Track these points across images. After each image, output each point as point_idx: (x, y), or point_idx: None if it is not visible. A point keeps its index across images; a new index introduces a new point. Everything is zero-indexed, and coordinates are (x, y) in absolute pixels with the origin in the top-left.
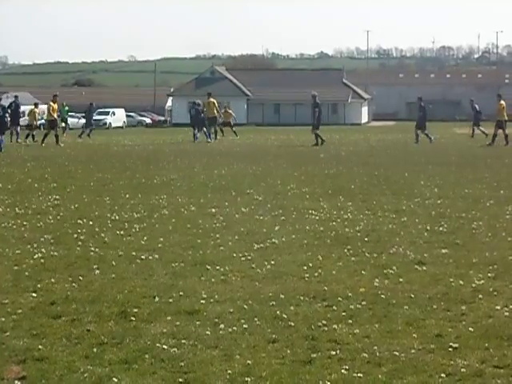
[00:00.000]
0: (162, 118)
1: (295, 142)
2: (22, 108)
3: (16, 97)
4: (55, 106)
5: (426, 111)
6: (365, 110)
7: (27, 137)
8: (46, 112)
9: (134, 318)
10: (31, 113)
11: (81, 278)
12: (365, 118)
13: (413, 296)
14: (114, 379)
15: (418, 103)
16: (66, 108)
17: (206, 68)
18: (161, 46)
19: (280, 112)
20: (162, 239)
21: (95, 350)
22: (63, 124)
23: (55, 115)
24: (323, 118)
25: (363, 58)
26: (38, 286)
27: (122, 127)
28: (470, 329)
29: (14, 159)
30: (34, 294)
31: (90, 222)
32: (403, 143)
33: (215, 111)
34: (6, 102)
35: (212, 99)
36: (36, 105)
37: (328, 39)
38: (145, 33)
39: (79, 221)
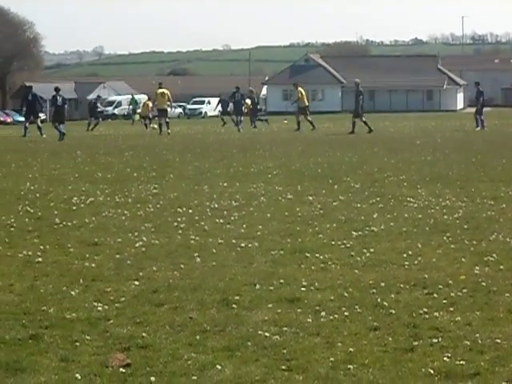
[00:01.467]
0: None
1: (390, 129)
2: (119, 98)
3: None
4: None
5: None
6: (460, 96)
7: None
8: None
9: (235, 306)
10: (145, 105)
11: (182, 265)
12: (460, 105)
13: None
14: (218, 366)
15: (476, 88)
16: (136, 99)
17: (301, 56)
18: (255, 35)
19: (374, 99)
20: (260, 227)
21: (198, 337)
22: (136, 116)
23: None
24: (419, 104)
25: (458, 43)
26: (140, 274)
27: (217, 116)
28: None
29: (112, 149)
30: (136, 282)
31: (190, 211)
32: (499, 129)
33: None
34: (102, 93)
35: (301, 88)
36: (149, 98)
37: (422, 25)
38: (239, 21)
39: (179, 209)
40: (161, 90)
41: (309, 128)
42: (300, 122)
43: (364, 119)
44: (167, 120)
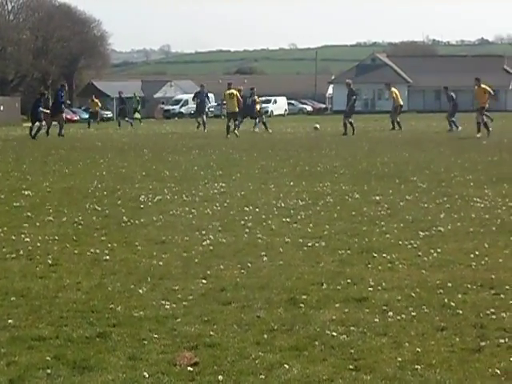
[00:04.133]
0: (323, 106)
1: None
2: (186, 96)
3: (202, 86)
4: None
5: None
6: None
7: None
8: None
9: (302, 305)
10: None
11: (249, 264)
12: None
13: None
14: (285, 365)
15: (445, 93)
16: (138, 98)
17: (367, 55)
18: (321, 34)
19: (441, 99)
20: (327, 226)
21: (266, 336)
22: (137, 115)
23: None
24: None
25: None
26: (208, 272)
27: (283, 115)
28: None
29: (179, 147)
30: (203, 281)
31: (257, 209)
32: None
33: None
34: (169, 91)
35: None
36: (96, 96)
37: (489, 25)
38: (305, 20)
39: (246, 208)
40: (230, 91)
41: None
42: (396, 121)
43: (351, 120)
44: (237, 122)
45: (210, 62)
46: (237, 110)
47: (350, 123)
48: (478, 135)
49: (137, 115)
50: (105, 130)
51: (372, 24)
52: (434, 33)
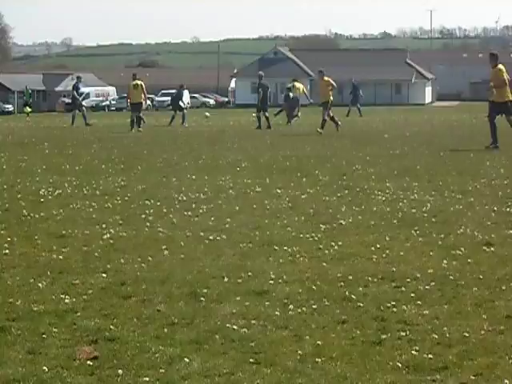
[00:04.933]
0: (226, 99)
1: (358, 123)
2: (87, 90)
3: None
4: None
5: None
6: (428, 90)
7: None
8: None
9: (203, 299)
10: None
11: (150, 258)
12: (428, 98)
13: (481, 277)
14: (186, 359)
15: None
16: (30, 91)
17: (269, 49)
18: (224, 27)
19: (343, 93)
20: (229, 220)
21: (166, 330)
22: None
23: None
24: (387, 97)
25: (426, 37)
26: (108, 266)
27: (185, 108)
28: None
29: (80, 141)
30: (103, 275)
31: (158, 203)
32: (467, 123)
33: None
34: (71, 85)
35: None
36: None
37: (391, 19)
38: (208, 14)
39: (147, 202)
40: (134, 82)
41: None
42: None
43: (267, 114)
44: (141, 115)
45: (112, 55)
46: (141, 101)
47: (259, 117)
48: (320, 130)
49: (26, 109)
50: (6, 124)
51: (274, 18)
52: (337, 26)
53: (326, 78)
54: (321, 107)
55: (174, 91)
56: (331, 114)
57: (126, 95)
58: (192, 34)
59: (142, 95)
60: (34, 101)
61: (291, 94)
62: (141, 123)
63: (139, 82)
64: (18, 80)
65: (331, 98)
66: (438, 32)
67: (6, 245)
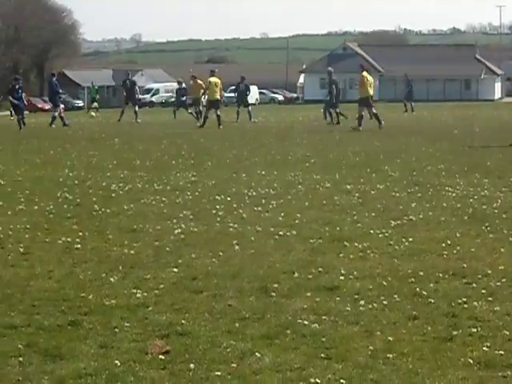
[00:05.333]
0: (294, 95)
1: (428, 119)
2: (156, 85)
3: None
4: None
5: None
6: (498, 85)
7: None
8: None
9: (274, 294)
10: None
11: (221, 253)
12: (498, 94)
13: None
14: (257, 354)
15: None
16: (96, 87)
17: (338, 44)
18: (293, 23)
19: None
20: (298, 215)
21: (237, 324)
22: (95, 104)
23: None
24: (456, 93)
25: (496, 33)
26: (179, 261)
27: (254, 104)
28: None
29: (150, 136)
30: (175, 269)
31: (228, 198)
32: None
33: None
34: (140, 80)
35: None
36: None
37: (460, 15)
38: (277, 10)
39: (217, 197)
40: (213, 79)
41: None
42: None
43: (338, 110)
44: (218, 113)
45: (181, 51)
46: (218, 97)
47: (337, 113)
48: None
49: (95, 104)
50: (76, 119)
51: (343, 13)
52: (406, 22)
53: (364, 74)
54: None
55: (234, 87)
56: (374, 111)
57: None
58: (261, 29)
59: (220, 92)
60: (103, 97)
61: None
62: (220, 120)
63: (218, 80)
64: (87, 76)
65: (371, 93)
66: (507, 28)
67: (77, 239)
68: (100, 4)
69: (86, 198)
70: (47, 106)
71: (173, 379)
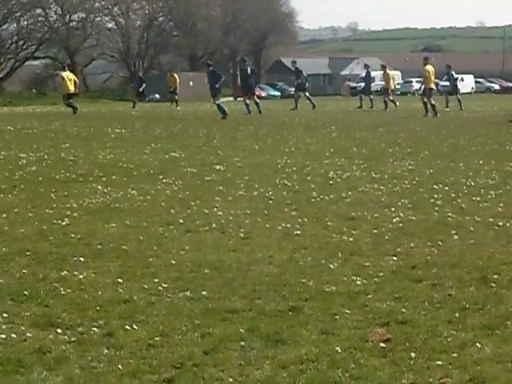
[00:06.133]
0: (511, 85)
1: None
2: (372, 74)
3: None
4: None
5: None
6: None
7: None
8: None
9: (494, 284)
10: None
11: (440, 243)
12: None
13: None
14: (478, 344)
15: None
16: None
17: None
18: (510, 12)
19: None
20: None
21: (457, 314)
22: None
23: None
24: None
25: None
26: (398, 249)
27: (470, 93)
28: None
29: (366, 124)
30: (394, 258)
31: (446, 188)
32: None
33: None
34: (356, 69)
35: None
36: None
37: None
38: None
39: (435, 186)
40: (429, 67)
41: None
42: None
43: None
44: (433, 102)
45: (397, 39)
46: (433, 85)
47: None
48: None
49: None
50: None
51: None
52: None
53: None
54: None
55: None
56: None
57: (413, 79)
58: (477, 18)
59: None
60: (318, 84)
61: None
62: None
63: (431, 68)
64: (303, 64)
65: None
66: None
67: (297, 226)
68: None
69: (305, 185)
70: (263, 94)
71: (393, 367)
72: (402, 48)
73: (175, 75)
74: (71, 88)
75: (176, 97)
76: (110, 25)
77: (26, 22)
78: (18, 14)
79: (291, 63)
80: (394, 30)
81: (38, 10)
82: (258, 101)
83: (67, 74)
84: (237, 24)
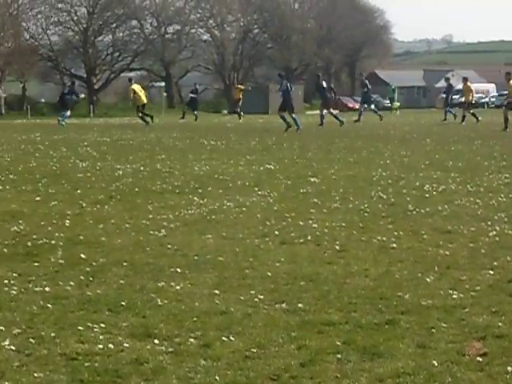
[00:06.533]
0: None
1: None
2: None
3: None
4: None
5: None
6: None
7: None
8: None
9: None
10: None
11: None
12: None
13: None
14: None
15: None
16: (393, 87)
17: None
18: None
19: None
20: None
21: None
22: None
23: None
24: None
25: None
26: (495, 263)
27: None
28: None
29: (461, 137)
30: (491, 272)
31: None
32: None
33: None
34: (453, 81)
35: None
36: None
37: None
38: None
39: None
40: None
41: None
42: None
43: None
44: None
45: (492, 52)
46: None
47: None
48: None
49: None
50: (387, 119)
51: None
52: None
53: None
54: None
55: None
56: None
57: (505, 92)
58: None
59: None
60: (414, 97)
61: None
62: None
63: None
64: (397, 76)
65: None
66: None
67: (393, 239)
68: (412, 4)
69: (400, 198)
70: (356, 106)
71: (490, 381)
72: (497, 60)
73: (240, 86)
74: (144, 99)
75: (238, 109)
76: (205, 37)
77: (121, 34)
78: (114, 25)
79: (358, 75)
80: (488, 43)
81: (134, 22)
82: (325, 114)
83: (137, 87)
84: (331, 36)
